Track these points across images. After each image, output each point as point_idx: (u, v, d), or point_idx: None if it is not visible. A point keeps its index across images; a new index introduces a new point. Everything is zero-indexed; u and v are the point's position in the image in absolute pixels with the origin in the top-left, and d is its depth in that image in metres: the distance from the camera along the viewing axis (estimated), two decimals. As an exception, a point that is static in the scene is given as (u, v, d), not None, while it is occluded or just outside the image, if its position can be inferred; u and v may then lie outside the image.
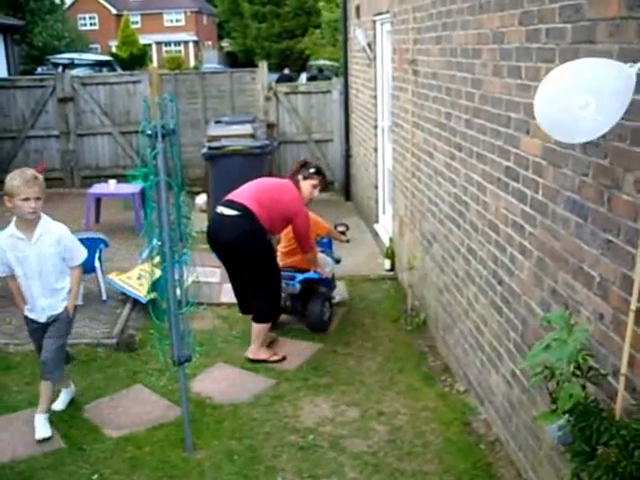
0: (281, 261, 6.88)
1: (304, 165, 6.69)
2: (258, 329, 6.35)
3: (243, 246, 6.14)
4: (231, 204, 6.20)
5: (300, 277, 6.88)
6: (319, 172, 6.67)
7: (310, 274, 6.91)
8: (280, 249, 7.06)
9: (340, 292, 7.84)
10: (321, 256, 7.11)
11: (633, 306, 2.96)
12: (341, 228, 7.72)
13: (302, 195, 6.49)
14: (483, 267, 5.11)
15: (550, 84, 2.94)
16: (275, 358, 6.38)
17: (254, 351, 6.38)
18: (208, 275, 7.83)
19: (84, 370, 6.20)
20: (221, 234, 6.22)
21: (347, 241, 7.69)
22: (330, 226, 7.46)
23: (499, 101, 4.58)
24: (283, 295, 6.76)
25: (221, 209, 6.23)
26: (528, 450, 4.41)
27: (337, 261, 7.71)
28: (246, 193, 6.29)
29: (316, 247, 7.00)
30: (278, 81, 16.40)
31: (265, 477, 4.69)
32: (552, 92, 2.91)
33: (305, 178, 6.54)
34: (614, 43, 3.03)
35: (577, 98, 2.78)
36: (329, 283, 7.28)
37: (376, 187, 10.17)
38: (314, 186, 6.59)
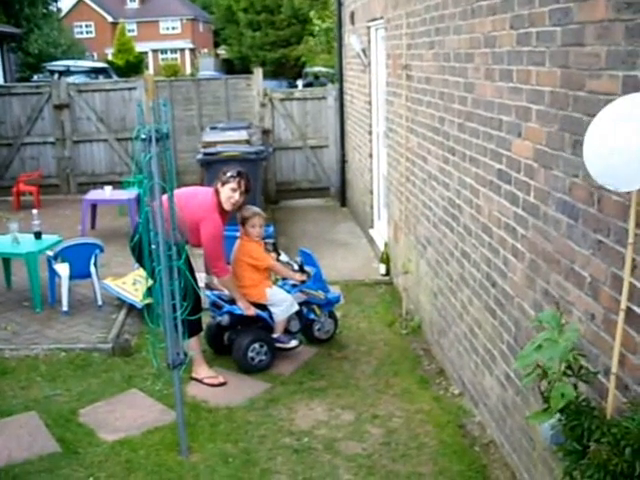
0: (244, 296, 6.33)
1: (223, 172, 6.23)
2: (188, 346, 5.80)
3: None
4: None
5: (227, 308, 6.29)
6: (238, 174, 6.13)
7: (233, 308, 6.27)
8: (240, 285, 6.35)
9: (296, 339, 6.59)
10: (272, 292, 6.38)
11: (623, 305, 2.99)
12: (295, 266, 6.67)
13: (222, 201, 6.06)
14: (477, 270, 5.14)
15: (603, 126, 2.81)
16: (210, 381, 6.05)
17: (194, 369, 6.11)
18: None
19: (80, 375, 6.21)
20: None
21: (302, 282, 6.58)
22: (273, 261, 6.50)
23: (491, 104, 4.61)
24: (212, 323, 6.55)
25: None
26: (522, 452, 4.42)
27: (327, 301, 6.81)
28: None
29: (266, 279, 6.45)
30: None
31: (260, 480, 4.71)
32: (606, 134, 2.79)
33: (223, 183, 6.10)
34: (602, 45, 3.07)
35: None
36: (268, 321, 6.37)
37: (371, 192, 10.20)
38: (233, 189, 6.07)
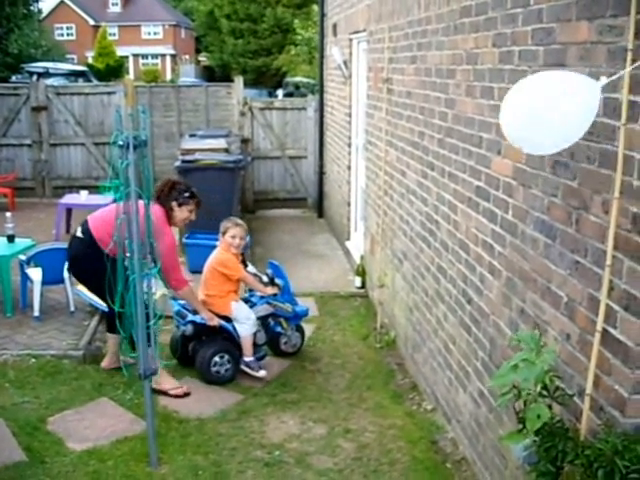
0: (208, 305, 6.30)
1: (173, 187, 6.02)
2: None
3: (77, 266, 6.15)
4: (84, 225, 5.98)
5: (190, 317, 6.22)
6: (193, 195, 6.08)
7: (196, 318, 6.20)
8: (205, 293, 6.35)
9: (264, 370, 6.35)
10: (238, 306, 6.30)
11: (599, 327, 2.98)
12: (265, 278, 6.57)
13: (177, 220, 6.03)
14: (453, 286, 5.13)
15: (520, 93, 2.96)
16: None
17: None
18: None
19: (49, 382, 6.12)
20: (69, 251, 6.19)
21: (274, 294, 6.49)
22: (245, 273, 6.44)
23: (471, 121, 4.61)
24: (176, 334, 6.49)
25: (77, 228, 6.09)
26: (494, 469, 4.41)
27: (295, 314, 6.69)
28: (100, 216, 6.01)
29: (234, 292, 6.39)
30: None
31: (230, 493, 4.66)
32: (521, 101, 2.93)
33: (180, 205, 5.98)
34: (584, 67, 3.07)
35: (547, 108, 2.80)
36: (232, 333, 6.27)
37: (348, 204, 10.19)
38: (190, 211, 6.07)
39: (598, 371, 3.04)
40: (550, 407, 3.10)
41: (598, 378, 3.06)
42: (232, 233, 6.32)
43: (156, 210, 5.70)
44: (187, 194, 6.04)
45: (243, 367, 6.30)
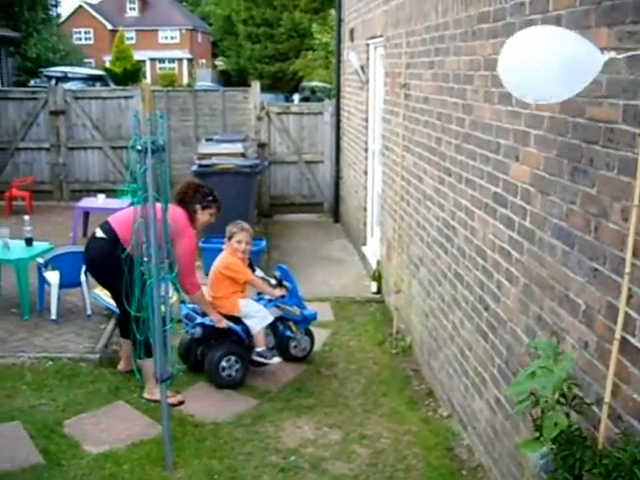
0: (216, 307, 6.30)
1: (197, 190, 6.07)
2: (142, 365, 5.78)
3: (96, 268, 6.10)
4: (104, 225, 5.98)
5: (199, 320, 6.21)
6: (215, 199, 6.13)
7: (205, 320, 6.20)
8: (212, 296, 6.36)
9: (278, 357, 6.51)
10: (245, 302, 6.34)
11: (618, 335, 2.96)
12: (273, 281, 6.57)
13: (198, 224, 6.05)
14: (470, 292, 5.11)
15: (522, 42, 3.01)
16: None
17: (148, 389, 5.93)
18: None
19: (66, 385, 6.15)
20: (86, 253, 6.15)
21: (282, 296, 6.49)
22: (252, 276, 6.46)
23: (489, 127, 4.60)
24: (185, 338, 6.48)
25: (96, 229, 6.08)
26: (510, 477, 4.38)
27: (303, 318, 6.69)
28: (123, 216, 5.92)
29: (239, 293, 6.39)
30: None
31: (245, 498, 4.66)
32: (523, 50, 2.99)
33: (204, 208, 6.02)
34: (604, 73, 3.05)
35: (548, 60, 2.87)
36: (240, 334, 6.29)
37: (365, 209, 10.18)
38: (211, 215, 6.12)
39: (617, 379, 3.02)
40: (568, 415, 3.08)
41: (617, 387, 3.03)
42: (238, 238, 6.34)
43: (179, 212, 5.81)
44: (210, 197, 6.08)
45: (256, 358, 6.32)
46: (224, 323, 6.19)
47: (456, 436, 5.44)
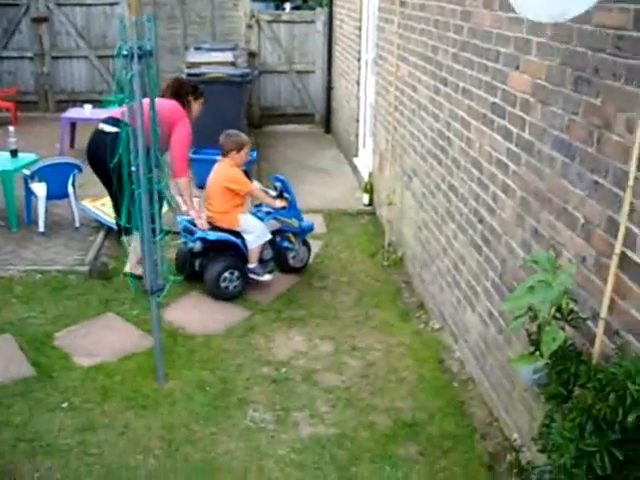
0: (216, 221, 6.27)
1: (184, 83, 6.54)
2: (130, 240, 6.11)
3: (102, 164, 5.70)
4: (111, 120, 5.99)
5: (199, 234, 6.16)
6: (201, 90, 6.49)
7: (206, 234, 6.15)
8: (212, 210, 6.27)
9: (270, 274, 6.48)
10: (245, 218, 6.29)
11: (617, 250, 2.90)
12: (273, 192, 6.54)
13: (192, 115, 6.31)
14: (464, 205, 5.04)
15: None
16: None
17: (131, 265, 6.27)
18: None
19: (56, 297, 6.11)
20: (99, 150, 5.79)
21: (283, 207, 6.45)
22: (254, 187, 6.39)
23: (488, 35, 4.44)
24: (182, 249, 6.50)
25: (102, 126, 6.05)
26: (501, 390, 4.40)
27: (301, 229, 6.70)
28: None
29: (243, 207, 6.40)
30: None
31: (236, 409, 4.67)
32: None
33: (196, 98, 6.36)
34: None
35: None
36: (240, 248, 6.27)
37: (357, 120, 10.01)
38: (202, 104, 6.45)
39: (614, 295, 2.98)
40: (563, 330, 3.05)
41: (613, 302, 2.99)
42: (246, 149, 6.29)
43: (175, 103, 6.17)
44: (198, 89, 6.41)
45: (249, 275, 6.31)
46: (206, 226, 6.20)
47: (447, 349, 5.45)
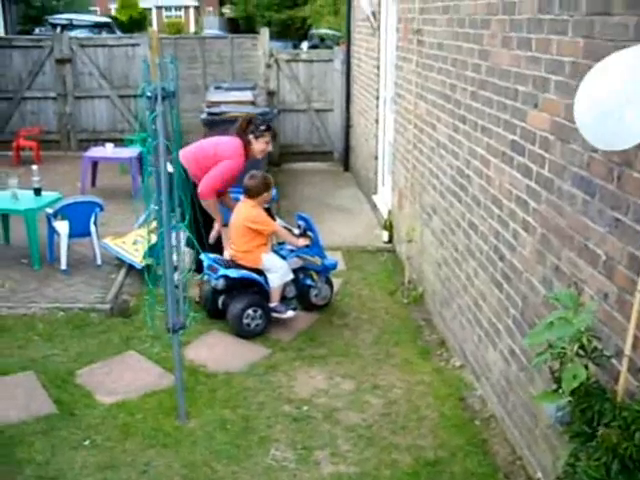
0: (239, 260, 6.30)
1: (250, 122, 6.83)
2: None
3: None
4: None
5: (222, 272, 6.17)
6: (269, 127, 6.87)
7: (228, 272, 6.16)
8: (235, 249, 6.33)
9: (293, 310, 6.47)
10: (268, 257, 6.30)
11: (640, 286, 2.90)
12: (296, 231, 6.56)
13: (255, 152, 6.78)
14: (484, 242, 5.04)
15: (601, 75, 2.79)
16: None
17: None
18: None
19: (78, 335, 6.15)
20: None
21: (306, 246, 6.46)
22: (278, 226, 6.42)
23: (507, 73, 4.48)
24: (206, 288, 6.50)
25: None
26: (524, 428, 4.37)
27: (324, 267, 6.69)
28: (190, 154, 6.64)
29: (267, 246, 6.39)
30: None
31: (258, 447, 4.66)
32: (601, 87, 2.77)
33: (257, 137, 6.74)
34: (632, 15, 2.94)
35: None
36: (263, 285, 6.28)
37: (376, 158, 10.07)
38: (267, 142, 6.82)
39: (637, 331, 2.97)
40: (586, 368, 3.03)
41: (637, 339, 2.98)
42: (272, 192, 6.42)
43: (233, 140, 6.73)
44: (263, 127, 6.79)
45: (272, 314, 6.33)
46: (215, 233, 6.69)
47: (468, 386, 5.42)
